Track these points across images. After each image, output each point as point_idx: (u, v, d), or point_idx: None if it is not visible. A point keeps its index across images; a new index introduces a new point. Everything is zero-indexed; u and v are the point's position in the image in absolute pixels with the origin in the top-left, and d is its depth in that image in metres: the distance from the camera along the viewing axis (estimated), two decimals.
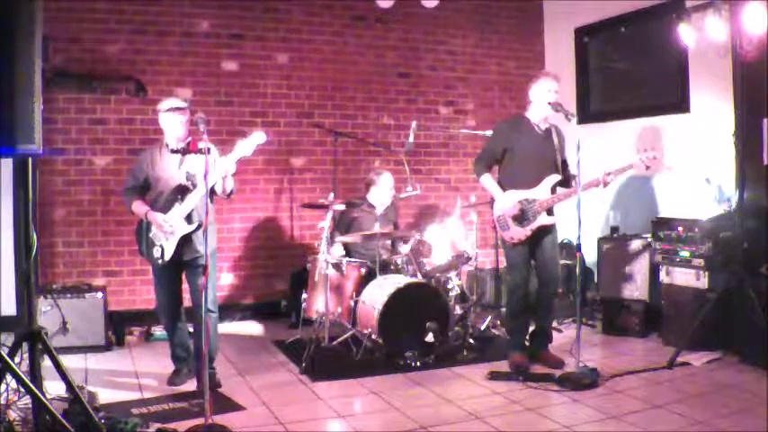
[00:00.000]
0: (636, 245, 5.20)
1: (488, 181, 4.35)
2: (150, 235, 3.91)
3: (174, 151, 3.77)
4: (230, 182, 3.91)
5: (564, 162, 4.36)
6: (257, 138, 3.78)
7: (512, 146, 4.29)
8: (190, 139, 3.92)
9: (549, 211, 4.31)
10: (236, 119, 5.79)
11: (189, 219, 3.85)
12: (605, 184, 4.19)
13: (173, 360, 4.10)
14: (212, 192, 3.88)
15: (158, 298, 4.08)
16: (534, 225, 4.24)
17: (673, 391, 3.81)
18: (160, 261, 3.88)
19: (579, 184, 4.03)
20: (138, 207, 3.93)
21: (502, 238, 4.43)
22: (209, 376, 3.79)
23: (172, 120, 3.86)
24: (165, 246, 3.86)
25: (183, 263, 3.92)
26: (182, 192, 3.85)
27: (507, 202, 4.26)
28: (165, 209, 3.86)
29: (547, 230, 4.31)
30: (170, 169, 3.91)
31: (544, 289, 4.37)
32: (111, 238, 5.47)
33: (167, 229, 3.82)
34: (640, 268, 5.15)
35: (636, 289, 5.15)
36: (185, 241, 3.85)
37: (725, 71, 4.92)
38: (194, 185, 3.84)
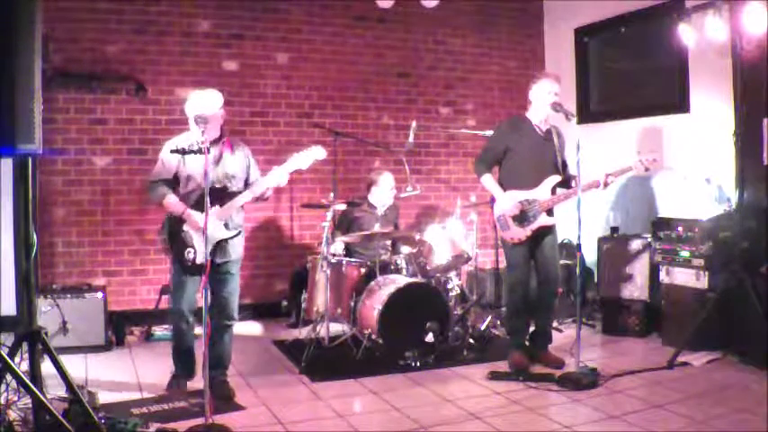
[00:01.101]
0: (636, 245, 5.20)
1: (489, 181, 4.35)
2: (182, 234, 3.70)
3: (174, 151, 3.72)
4: (270, 190, 3.85)
5: (564, 163, 4.36)
6: (316, 153, 3.73)
7: (512, 146, 4.30)
8: (224, 138, 3.78)
9: (549, 212, 4.32)
10: (236, 119, 5.78)
11: (225, 223, 3.74)
12: (605, 185, 4.20)
13: (176, 365, 3.91)
14: (233, 193, 3.77)
15: (175, 300, 3.84)
16: (534, 225, 4.24)
17: (673, 391, 3.81)
18: (190, 264, 3.68)
19: (579, 184, 4.04)
20: (173, 203, 3.69)
21: (502, 238, 4.44)
22: (223, 384, 3.77)
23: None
24: (199, 248, 3.67)
25: (216, 268, 3.71)
26: (218, 193, 3.68)
27: (508, 202, 4.26)
28: (197, 209, 3.64)
29: (547, 231, 4.31)
30: (200, 168, 3.60)
31: (544, 289, 4.38)
32: (111, 238, 5.47)
33: (200, 228, 3.58)
34: (640, 268, 5.15)
35: (636, 289, 5.15)
36: (218, 245, 3.71)
37: (725, 71, 4.92)
38: (233, 187, 3.73)
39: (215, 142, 3.70)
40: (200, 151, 3.52)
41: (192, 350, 3.93)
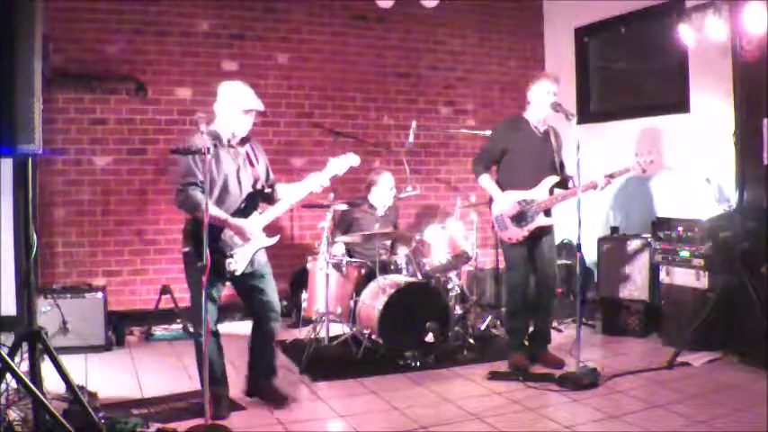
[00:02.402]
0: (636, 245, 5.20)
1: (487, 181, 4.36)
2: (220, 244, 3.38)
3: (174, 151, 3.61)
4: None
5: (561, 163, 4.36)
6: (352, 159, 3.69)
7: (511, 146, 4.30)
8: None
9: (547, 212, 4.32)
10: None
11: None
12: (605, 186, 4.20)
13: (216, 384, 3.41)
14: (268, 196, 3.66)
15: (204, 308, 3.25)
16: (532, 226, 4.24)
17: (673, 391, 3.81)
18: (229, 276, 3.44)
19: (579, 184, 4.04)
20: (214, 209, 3.28)
21: (500, 239, 4.44)
22: (276, 390, 3.65)
23: (247, 120, 3.50)
24: (241, 258, 3.44)
25: (244, 274, 3.49)
26: (254, 198, 3.54)
27: (506, 202, 4.26)
28: (238, 215, 3.45)
29: (545, 231, 4.32)
30: (234, 168, 3.48)
31: (543, 289, 4.38)
32: (111, 238, 5.47)
33: (251, 239, 3.45)
34: (640, 268, 5.15)
35: (636, 289, 5.15)
36: (256, 252, 3.52)
37: (725, 71, 4.92)
38: (270, 193, 3.62)
39: (244, 141, 3.55)
40: (231, 147, 3.43)
41: (221, 363, 3.58)
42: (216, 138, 3.43)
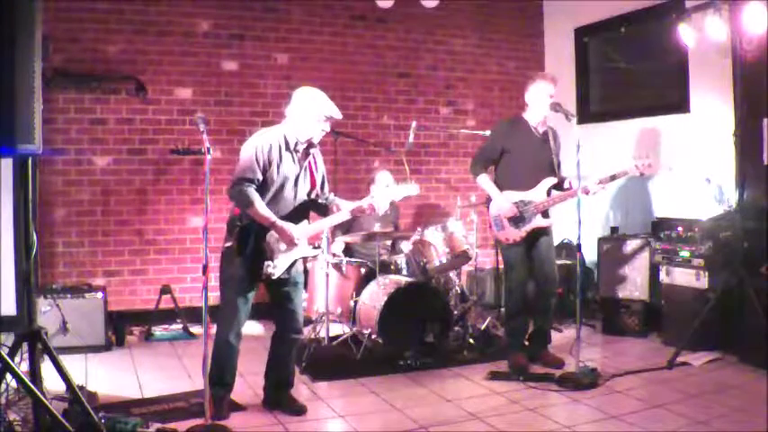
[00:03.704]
0: (636, 245, 5.20)
1: (485, 181, 4.37)
2: (263, 244, 3.34)
3: (173, 151, 3.60)
4: None
5: (558, 165, 4.37)
6: (411, 189, 3.67)
7: (509, 147, 4.31)
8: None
9: (545, 213, 4.33)
10: (236, 119, 5.79)
11: None
12: (598, 192, 4.20)
13: (221, 386, 3.43)
14: (321, 207, 3.64)
15: (235, 313, 3.40)
16: (529, 226, 4.25)
17: (673, 391, 3.82)
18: (264, 278, 3.37)
19: (580, 185, 4.04)
20: (264, 209, 3.29)
21: (497, 239, 4.45)
22: (294, 400, 3.60)
23: (325, 127, 3.50)
24: (280, 262, 3.38)
25: (279, 279, 3.44)
26: (307, 206, 3.52)
27: (504, 202, 4.27)
28: (284, 218, 3.38)
29: (542, 232, 4.32)
30: (294, 173, 3.43)
31: (542, 289, 4.38)
32: (111, 238, 5.47)
33: (297, 245, 3.39)
34: (640, 268, 5.15)
35: (636, 289, 5.15)
36: (296, 260, 3.48)
37: (725, 71, 4.92)
38: (324, 204, 3.59)
39: (311, 146, 3.52)
40: (296, 151, 3.39)
41: (236, 368, 3.54)
42: (283, 140, 3.42)
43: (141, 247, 5.55)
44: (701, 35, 4.72)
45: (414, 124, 5.26)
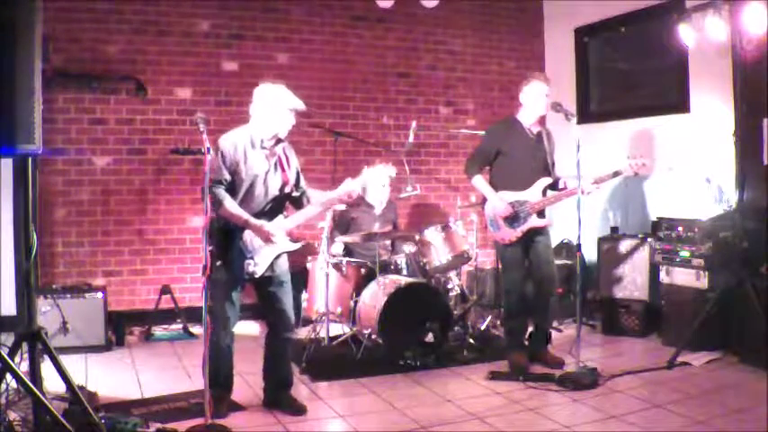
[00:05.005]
0: (636, 245, 5.20)
1: (480, 182, 4.39)
2: (240, 243, 3.38)
3: (173, 151, 3.60)
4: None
5: (553, 165, 4.37)
6: (388, 170, 3.78)
7: (504, 148, 4.32)
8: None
9: (541, 214, 4.33)
10: (236, 119, 5.77)
11: None
12: (593, 191, 4.21)
13: (219, 386, 3.42)
14: (295, 200, 3.65)
15: (223, 313, 3.44)
16: (525, 227, 4.26)
17: (673, 391, 3.82)
18: (248, 277, 3.42)
19: (580, 184, 4.04)
20: (235, 209, 3.35)
21: (494, 239, 4.45)
22: (294, 400, 3.60)
23: (290, 119, 3.49)
24: (262, 260, 3.41)
25: (264, 278, 3.47)
26: (281, 201, 3.54)
27: (499, 202, 4.28)
28: (262, 218, 3.42)
29: (539, 232, 4.33)
30: (263, 170, 3.45)
31: (540, 289, 4.38)
32: (111, 238, 5.46)
33: (273, 242, 3.41)
34: (640, 268, 5.15)
35: (636, 289, 5.15)
36: (278, 256, 3.50)
37: (725, 71, 4.92)
38: (298, 197, 3.60)
39: (278, 142, 3.53)
40: (263, 148, 3.40)
41: (232, 367, 3.59)
42: (248, 139, 3.44)
43: (141, 247, 5.55)
44: (700, 35, 4.72)
45: (414, 124, 5.26)
